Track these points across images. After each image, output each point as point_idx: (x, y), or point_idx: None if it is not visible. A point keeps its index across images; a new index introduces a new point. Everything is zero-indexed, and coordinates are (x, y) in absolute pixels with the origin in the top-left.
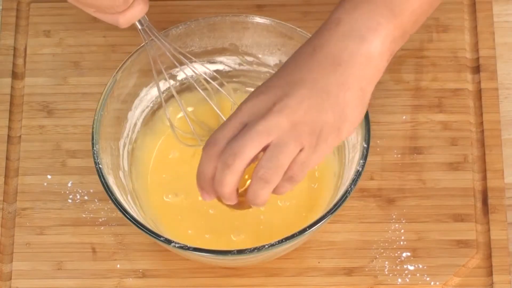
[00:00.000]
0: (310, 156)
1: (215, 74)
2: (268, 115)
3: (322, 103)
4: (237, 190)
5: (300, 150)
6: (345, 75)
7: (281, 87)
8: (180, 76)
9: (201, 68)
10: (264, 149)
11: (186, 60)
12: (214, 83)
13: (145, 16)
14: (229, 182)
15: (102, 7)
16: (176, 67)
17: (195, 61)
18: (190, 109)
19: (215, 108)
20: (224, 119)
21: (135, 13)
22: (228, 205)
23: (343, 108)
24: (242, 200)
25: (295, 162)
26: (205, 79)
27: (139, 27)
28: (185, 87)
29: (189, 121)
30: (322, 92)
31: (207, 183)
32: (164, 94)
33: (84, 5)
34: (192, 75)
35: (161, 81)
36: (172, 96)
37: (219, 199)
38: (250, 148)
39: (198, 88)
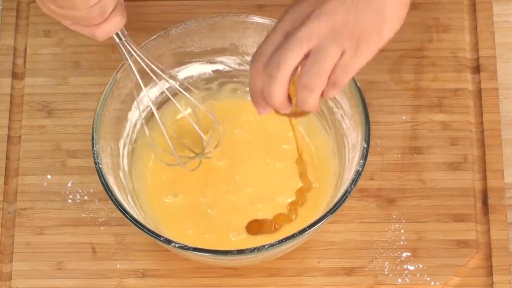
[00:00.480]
0: (352, 60)
1: (189, 86)
2: (306, 22)
3: (359, 4)
4: (290, 97)
5: (342, 54)
6: None
7: None
8: (160, 89)
9: (179, 81)
10: (307, 56)
11: (164, 75)
12: (192, 98)
13: (124, 29)
14: (277, 93)
15: (78, 19)
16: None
17: (173, 75)
18: (188, 111)
19: (193, 124)
20: (201, 133)
21: (112, 26)
22: (286, 114)
23: (382, 7)
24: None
25: (338, 66)
26: (185, 87)
27: (117, 41)
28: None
29: (168, 140)
30: None
31: (259, 97)
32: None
33: (60, 17)
34: (171, 87)
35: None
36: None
37: (276, 110)
38: (291, 56)
39: (176, 104)
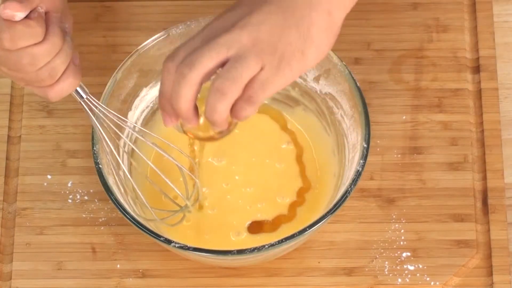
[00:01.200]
0: (272, 77)
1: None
2: (230, 30)
3: (286, 21)
4: (197, 110)
5: (262, 69)
6: None
7: (247, 5)
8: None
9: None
10: (223, 65)
11: (129, 127)
12: (158, 148)
13: (84, 86)
14: (185, 95)
15: (28, 81)
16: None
17: (137, 128)
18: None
19: (173, 160)
20: (180, 165)
21: (65, 87)
22: (199, 138)
23: (308, 28)
24: (212, 135)
25: (255, 80)
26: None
27: (78, 99)
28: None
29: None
30: (287, 10)
31: (166, 101)
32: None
33: (13, 78)
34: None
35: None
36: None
37: (183, 125)
38: (207, 58)
39: (144, 157)
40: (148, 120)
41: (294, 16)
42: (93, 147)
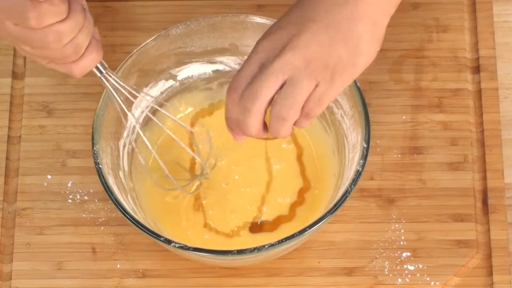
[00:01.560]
0: (326, 92)
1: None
2: (281, 54)
3: (334, 37)
4: (266, 124)
5: (316, 86)
6: (356, 8)
7: (294, 25)
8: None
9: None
10: (282, 86)
11: (148, 101)
12: (182, 123)
13: (103, 62)
14: (253, 125)
15: (53, 58)
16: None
17: (160, 101)
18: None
19: (187, 148)
20: (195, 155)
21: (88, 63)
22: (263, 138)
23: (357, 41)
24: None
25: (311, 98)
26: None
27: (98, 74)
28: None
29: (163, 164)
30: (334, 26)
31: (235, 126)
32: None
33: (36, 57)
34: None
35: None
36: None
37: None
38: (266, 89)
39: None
40: (148, 120)
41: (340, 31)
42: (93, 147)
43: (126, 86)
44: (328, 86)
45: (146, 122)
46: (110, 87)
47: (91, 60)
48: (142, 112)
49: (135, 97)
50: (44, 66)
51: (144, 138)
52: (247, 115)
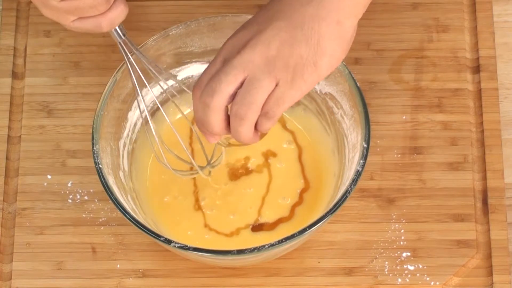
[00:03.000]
0: (286, 92)
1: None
2: (242, 51)
3: (296, 36)
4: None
5: (276, 85)
6: (320, 7)
7: (259, 23)
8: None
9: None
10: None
11: (163, 75)
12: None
13: (122, 27)
14: (214, 121)
15: (83, 9)
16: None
17: (174, 76)
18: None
19: (196, 134)
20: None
21: (116, 14)
22: (241, 145)
23: (318, 40)
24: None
25: (271, 97)
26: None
27: (118, 39)
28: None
29: (162, 149)
30: (297, 25)
31: (201, 125)
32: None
33: (64, 14)
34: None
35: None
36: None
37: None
38: (225, 84)
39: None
40: (148, 120)
41: (303, 30)
42: (93, 147)
43: (144, 57)
44: (289, 86)
45: (152, 114)
46: (129, 54)
47: (120, 12)
48: (161, 92)
49: (153, 70)
50: (68, 27)
51: (151, 128)
52: (207, 110)
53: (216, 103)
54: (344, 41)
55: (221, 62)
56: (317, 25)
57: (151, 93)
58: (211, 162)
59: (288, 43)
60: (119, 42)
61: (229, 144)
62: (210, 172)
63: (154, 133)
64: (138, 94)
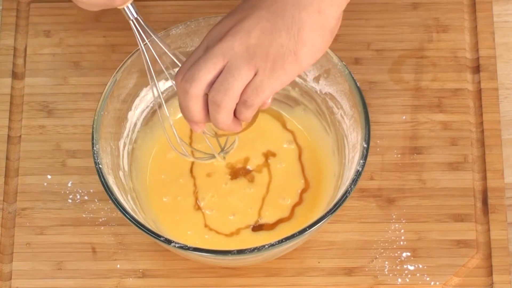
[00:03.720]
0: (266, 81)
1: None
2: (224, 38)
3: (276, 24)
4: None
5: (255, 74)
6: None
7: (241, 12)
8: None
9: None
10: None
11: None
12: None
13: (134, 6)
14: (193, 108)
15: None
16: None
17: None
18: None
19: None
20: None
21: None
22: (226, 134)
23: (299, 29)
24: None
25: (249, 86)
26: None
27: (131, 17)
28: None
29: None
30: (278, 14)
31: (183, 111)
32: (164, 95)
33: None
34: None
35: (160, 81)
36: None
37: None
38: (204, 71)
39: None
40: (148, 120)
41: (284, 18)
42: (93, 147)
43: (156, 35)
44: (268, 75)
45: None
46: (143, 35)
47: None
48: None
49: (165, 48)
50: (80, 3)
51: (165, 112)
52: (186, 97)
53: (194, 90)
54: (326, 31)
55: (203, 49)
56: (298, 14)
57: (166, 74)
58: (225, 149)
59: (269, 32)
60: (132, 21)
61: (216, 134)
62: (224, 157)
63: (167, 114)
64: (153, 78)
